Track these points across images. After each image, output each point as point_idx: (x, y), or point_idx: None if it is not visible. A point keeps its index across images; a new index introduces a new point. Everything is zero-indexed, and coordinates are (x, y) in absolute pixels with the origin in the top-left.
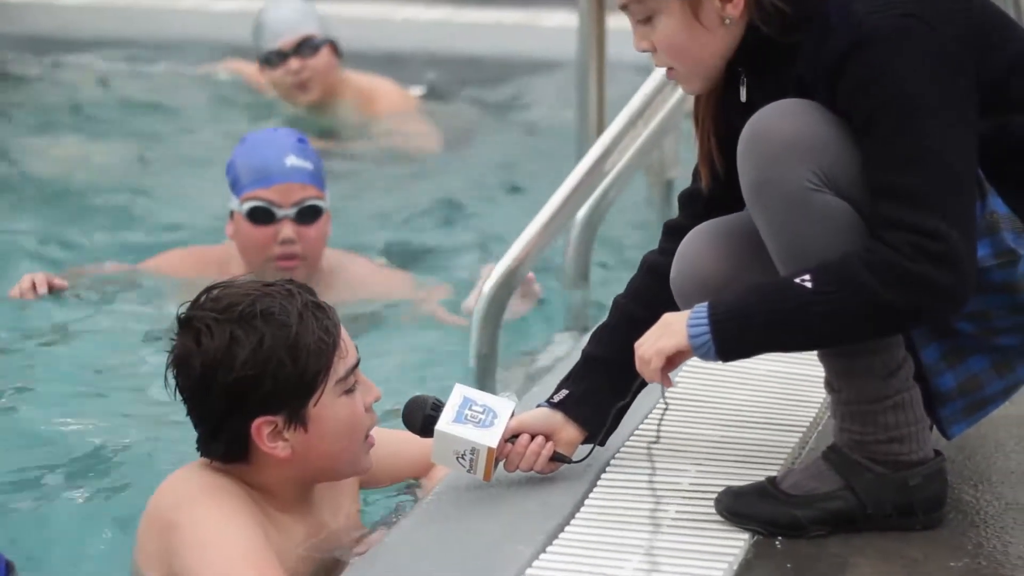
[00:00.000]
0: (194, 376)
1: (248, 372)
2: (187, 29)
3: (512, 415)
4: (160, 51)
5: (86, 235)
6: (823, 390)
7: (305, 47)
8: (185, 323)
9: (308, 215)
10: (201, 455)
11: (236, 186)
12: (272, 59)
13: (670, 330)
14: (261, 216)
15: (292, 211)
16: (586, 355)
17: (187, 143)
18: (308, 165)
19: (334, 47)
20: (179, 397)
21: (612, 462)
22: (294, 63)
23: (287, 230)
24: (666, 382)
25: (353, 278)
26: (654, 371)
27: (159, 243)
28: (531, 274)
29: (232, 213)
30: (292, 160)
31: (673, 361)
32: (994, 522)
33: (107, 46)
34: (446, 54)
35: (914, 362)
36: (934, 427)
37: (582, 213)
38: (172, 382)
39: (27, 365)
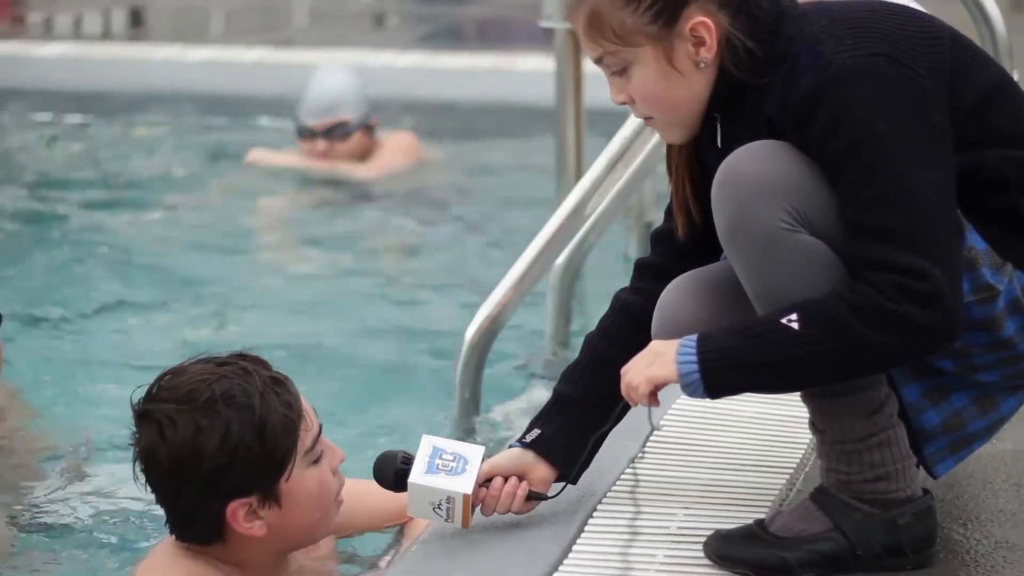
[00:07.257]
0: (163, 470)
1: (219, 461)
2: (162, 80)
3: (483, 460)
4: (136, 102)
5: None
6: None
7: (336, 132)
8: (144, 416)
9: None
10: (175, 538)
11: None
12: (304, 133)
13: (661, 360)
14: None
15: None
16: (557, 394)
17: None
18: None
19: (367, 130)
20: (148, 490)
21: (599, 507)
22: (321, 144)
23: None
24: (654, 403)
25: None
26: (642, 396)
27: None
28: None
29: None
30: None
31: (659, 387)
32: (984, 561)
33: (83, 98)
34: (423, 100)
35: (896, 400)
36: (920, 467)
37: (562, 258)
38: (141, 476)
39: None
